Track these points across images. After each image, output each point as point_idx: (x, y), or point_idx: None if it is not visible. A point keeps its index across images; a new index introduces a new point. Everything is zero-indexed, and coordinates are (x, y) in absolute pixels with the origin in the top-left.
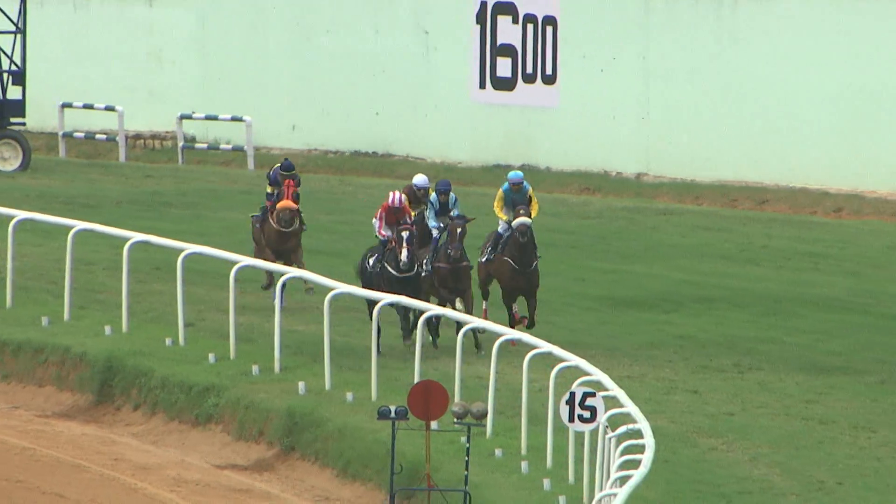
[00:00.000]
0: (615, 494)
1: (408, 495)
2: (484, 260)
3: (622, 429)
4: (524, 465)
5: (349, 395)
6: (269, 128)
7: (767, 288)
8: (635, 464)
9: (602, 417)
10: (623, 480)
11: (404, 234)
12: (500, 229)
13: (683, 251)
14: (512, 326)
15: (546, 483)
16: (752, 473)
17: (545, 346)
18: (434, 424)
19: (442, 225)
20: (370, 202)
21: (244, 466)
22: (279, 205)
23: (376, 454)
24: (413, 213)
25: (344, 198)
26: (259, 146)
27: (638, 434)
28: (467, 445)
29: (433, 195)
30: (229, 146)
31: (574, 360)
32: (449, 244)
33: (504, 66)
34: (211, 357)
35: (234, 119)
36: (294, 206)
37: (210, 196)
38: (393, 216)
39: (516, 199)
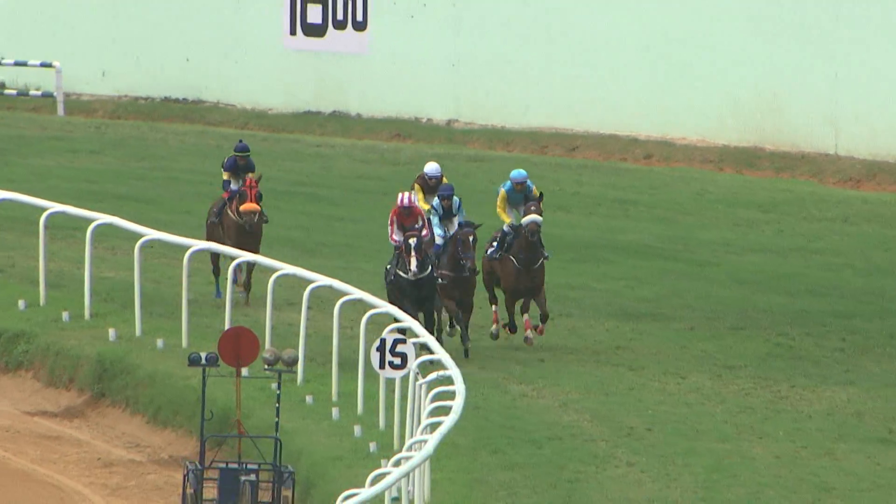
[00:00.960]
0: (426, 440)
1: (218, 442)
2: (488, 253)
3: (433, 375)
4: (335, 411)
5: (160, 342)
6: (79, 74)
7: (577, 234)
8: (446, 410)
9: (413, 364)
10: (434, 427)
11: (412, 242)
12: (505, 228)
13: (494, 198)
14: (513, 332)
15: (357, 429)
16: (561, 419)
17: (356, 293)
18: (245, 371)
19: (445, 233)
20: (181, 149)
21: (54, 413)
22: (243, 207)
23: (187, 401)
24: (427, 207)
25: (155, 144)
26: (69, 92)
27: (449, 381)
28: (278, 392)
29: (436, 200)
30: (39, 92)
31: (385, 306)
32: (462, 254)
33: (315, 13)
34: (21, 304)
35: (43, 65)
36: (258, 208)
37: (19, 142)
38: (405, 218)
39: (520, 200)
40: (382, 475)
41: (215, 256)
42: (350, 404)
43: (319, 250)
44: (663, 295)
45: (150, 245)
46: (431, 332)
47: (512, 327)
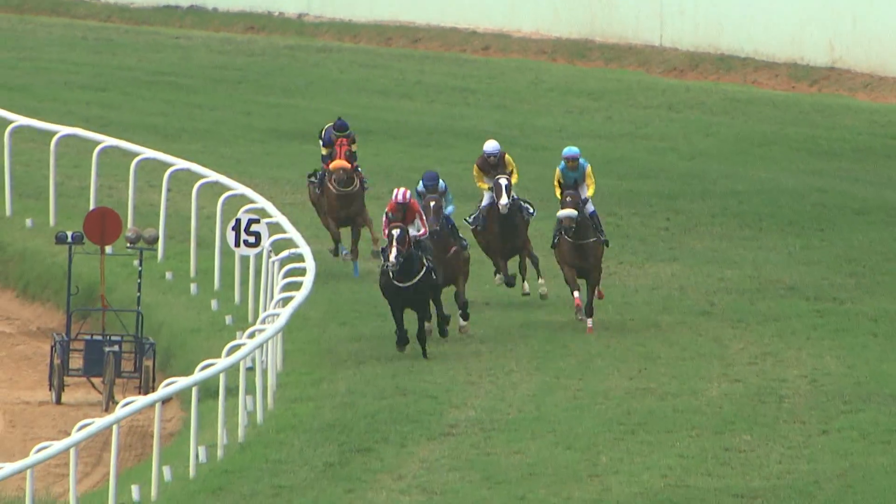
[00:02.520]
0: (279, 314)
1: (84, 315)
2: (471, 222)
3: (285, 253)
4: (194, 286)
5: (29, 221)
6: None
7: (421, 121)
8: (297, 286)
9: (266, 242)
10: (286, 301)
11: (395, 232)
12: (483, 202)
13: (343, 86)
14: (510, 285)
15: (214, 303)
16: None
17: (213, 176)
18: (108, 249)
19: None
20: (49, 40)
21: None
22: (332, 165)
23: (55, 276)
24: (485, 187)
25: (24, 35)
26: None
27: (300, 258)
28: (140, 268)
29: (420, 185)
30: None
31: (240, 188)
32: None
33: None
34: None
35: None
36: (348, 165)
37: None
38: (401, 214)
39: (573, 178)
40: (238, 346)
41: (335, 228)
42: (208, 280)
43: (179, 136)
44: None
45: (20, 130)
46: (423, 326)
47: (509, 281)
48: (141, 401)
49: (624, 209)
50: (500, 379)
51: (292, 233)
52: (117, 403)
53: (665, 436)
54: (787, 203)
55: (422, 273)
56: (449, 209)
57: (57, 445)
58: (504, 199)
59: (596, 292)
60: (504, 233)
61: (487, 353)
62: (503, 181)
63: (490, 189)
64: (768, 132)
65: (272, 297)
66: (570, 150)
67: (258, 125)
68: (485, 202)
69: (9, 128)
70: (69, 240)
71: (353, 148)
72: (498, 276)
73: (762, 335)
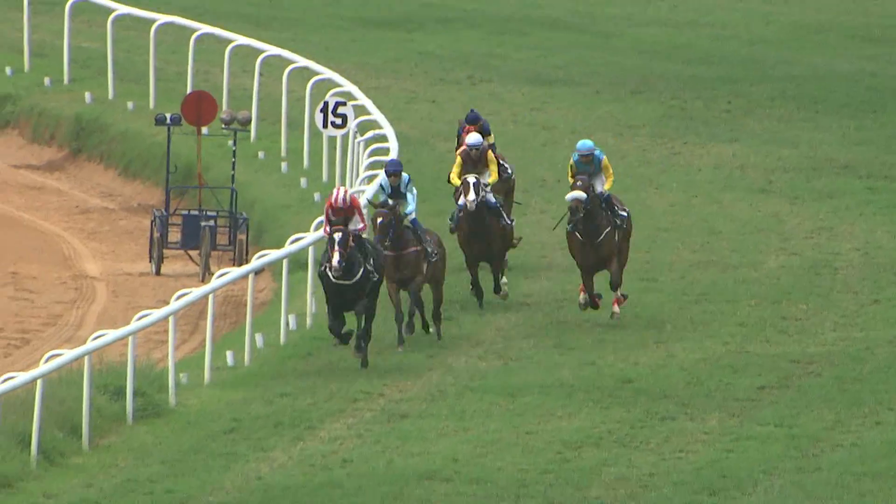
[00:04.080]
0: (363, 191)
1: (181, 192)
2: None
3: (369, 134)
4: (284, 165)
5: (130, 104)
6: None
7: (498, 9)
8: (381, 165)
9: (352, 124)
10: (370, 180)
11: (336, 236)
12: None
13: None
14: (477, 295)
15: (303, 181)
16: None
17: (302, 61)
18: (204, 130)
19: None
20: None
21: (38, 166)
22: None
23: (154, 156)
24: (458, 183)
25: None
26: None
27: (384, 139)
28: (234, 148)
29: (382, 176)
30: None
31: (328, 73)
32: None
33: None
34: (7, 70)
35: None
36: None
37: None
38: (342, 216)
39: (588, 171)
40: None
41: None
42: (297, 159)
43: (271, 24)
44: (572, 62)
45: (121, 19)
46: (364, 328)
47: (478, 290)
48: (235, 272)
49: (688, 93)
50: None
51: (376, 115)
52: (213, 274)
53: (726, 305)
54: (841, 87)
55: (360, 273)
56: (410, 208)
57: (156, 314)
58: (472, 196)
59: (615, 297)
60: (473, 233)
61: (560, 229)
62: (471, 179)
63: (460, 188)
64: (824, 20)
65: (357, 175)
66: (584, 143)
67: (345, 13)
68: (460, 202)
69: (111, 16)
70: (168, 121)
71: (490, 140)
72: (473, 290)
73: (818, 211)
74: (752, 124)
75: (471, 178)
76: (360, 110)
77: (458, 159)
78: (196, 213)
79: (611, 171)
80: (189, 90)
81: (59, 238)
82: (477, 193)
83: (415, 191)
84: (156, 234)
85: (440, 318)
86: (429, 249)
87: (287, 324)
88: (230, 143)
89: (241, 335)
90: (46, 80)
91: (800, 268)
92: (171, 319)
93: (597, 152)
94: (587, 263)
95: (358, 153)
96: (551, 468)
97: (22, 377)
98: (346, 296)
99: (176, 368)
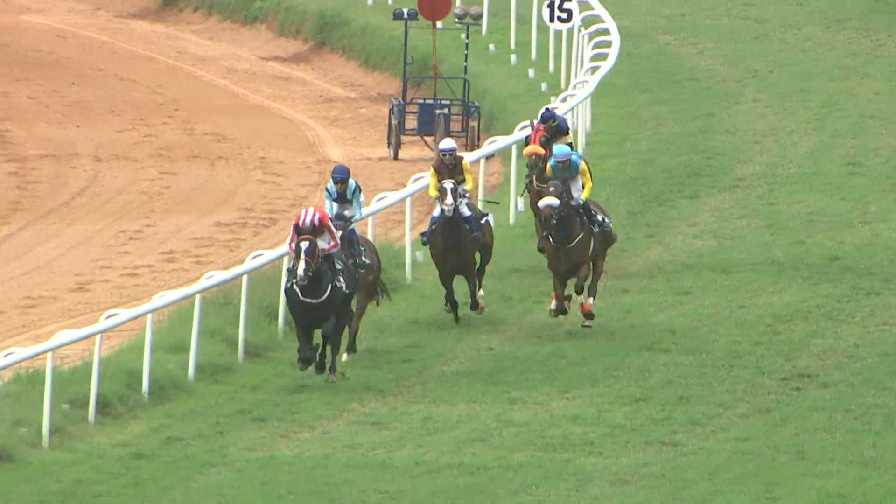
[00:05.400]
0: (587, 81)
1: (417, 82)
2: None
3: (593, 28)
4: (513, 57)
5: (370, 0)
6: None
7: None
8: (604, 57)
9: (577, 18)
10: (594, 70)
11: (303, 245)
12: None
13: None
14: (452, 309)
15: (531, 72)
16: (699, 64)
17: None
18: (439, 24)
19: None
20: None
21: (284, 58)
22: (525, 151)
23: (392, 49)
24: (436, 194)
25: None
26: None
27: (606, 32)
28: (466, 41)
29: (330, 183)
30: None
31: None
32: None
33: None
34: None
35: None
36: (542, 151)
37: None
38: (310, 229)
39: (566, 178)
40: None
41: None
42: (525, 52)
43: None
44: None
45: None
46: (331, 345)
47: (452, 303)
48: (468, 157)
49: None
50: (783, 139)
51: (599, 10)
52: None
53: None
54: None
55: (329, 291)
56: (356, 216)
57: (394, 196)
58: (449, 200)
59: (581, 303)
60: (447, 246)
61: (771, 114)
62: (448, 184)
63: (437, 197)
64: None
65: (582, 67)
66: (561, 149)
67: None
68: (435, 213)
69: None
70: (405, 16)
71: (567, 139)
72: (447, 306)
73: None
74: None
75: (448, 184)
76: (584, 6)
77: (432, 170)
78: (431, 101)
79: (589, 176)
80: None
81: (304, 125)
82: (455, 199)
83: (362, 198)
84: (394, 122)
85: (356, 331)
86: (359, 261)
87: (516, 205)
88: (463, 36)
89: None
90: None
91: None
92: (407, 201)
93: (574, 157)
94: (559, 269)
95: (582, 46)
96: (762, 340)
97: (269, 255)
98: (314, 314)
99: (412, 247)
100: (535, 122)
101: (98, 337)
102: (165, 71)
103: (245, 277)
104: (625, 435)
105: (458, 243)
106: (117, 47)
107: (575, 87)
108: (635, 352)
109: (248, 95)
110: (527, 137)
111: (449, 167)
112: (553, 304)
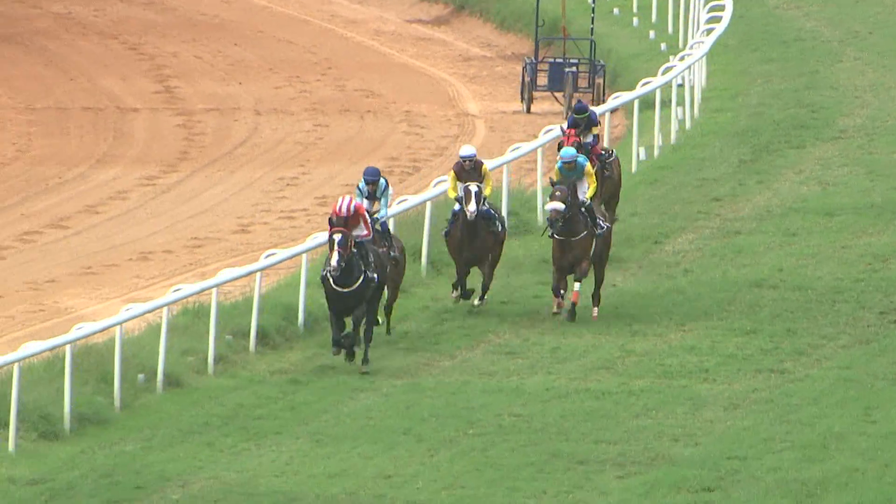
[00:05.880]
0: (702, 42)
1: (548, 42)
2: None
3: None
4: (635, 20)
5: None
6: None
7: None
8: (718, 19)
9: None
10: (709, 32)
11: (336, 237)
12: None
13: None
14: (465, 298)
15: (651, 34)
16: (805, 25)
17: None
18: None
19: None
20: None
21: (427, 21)
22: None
23: (525, 11)
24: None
25: None
26: None
27: None
28: (593, 5)
29: (362, 182)
30: None
31: None
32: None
33: None
34: None
35: None
36: (562, 206)
37: None
38: (343, 220)
39: (571, 177)
40: (670, 68)
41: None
42: (647, 15)
43: None
44: None
45: None
46: (361, 332)
47: (461, 291)
48: (597, 110)
49: None
50: (881, 94)
51: None
52: None
53: None
54: None
55: (361, 279)
56: (382, 213)
57: (526, 146)
58: (472, 206)
59: (594, 304)
60: (466, 239)
61: (871, 72)
62: (473, 188)
63: (459, 199)
64: None
65: (698, 28)
66: (568, 151)
67: None
68: (456, 208)
69: None
70: None
71: (595, 131)
72: (455, 292)
73: None
74: None
75: (472, 187)
76: None
77: (452, 173)
78: (560, 60)
79: (594, 178)
80: None
81: (444, 82)
82: (478, 203)
83: (391, 191)
84: (526, 79)
85: (391, 312)
86: (392, 253)
87: (637, 155)
88: (590, 0)
89: None
90: None
91: None
92: (539, 151)
93: (580, 159)
94: (562, 262)
95: (698, 9)
96: (863, 277)
97: (413, 200)
98: (346, 303)
99: (543, 192)
100: (566, 123)
101: (258, 274)
102: (319, 33)
103: (392, 221)
104: (736, 363)
105: (473, 241)
106: (275, 11)
107: (691, 47)
108: (746, 288)
109: (394, 55)
110: (560, 141)
111: (469, 172)
112: (554, 307)
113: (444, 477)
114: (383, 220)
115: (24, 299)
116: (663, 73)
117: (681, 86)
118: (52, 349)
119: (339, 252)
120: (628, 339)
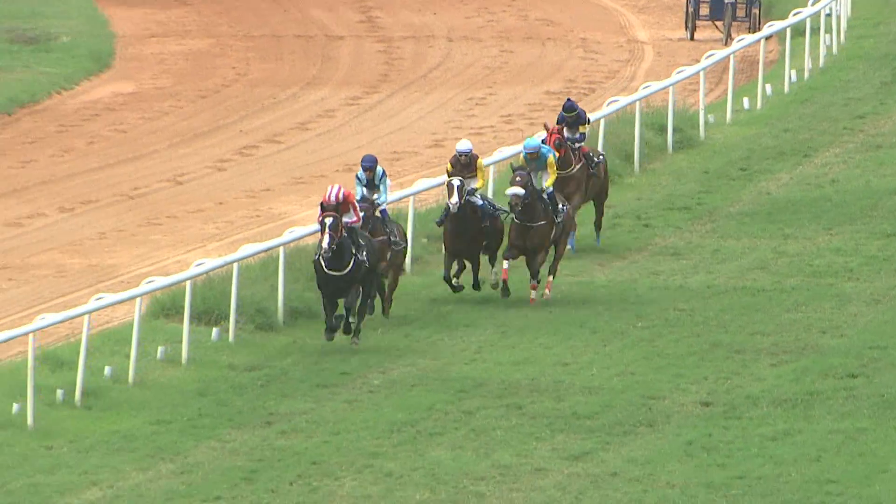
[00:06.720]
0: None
1: None
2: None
3: None
4: None
5: None
6: None
7: None
8: None
9: None
10: None
11: (327, 220)
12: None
13: None
14: (457, 289)
15: None
16: None
17: None
18: None
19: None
20: None
21: None
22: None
23: None
24: (360, 201)
25: None
26: None
27: None
28: None
29: (359, 171)
30: None
31: None
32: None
33: None
34: None
35: None
36: (558, 152)
37: None
38: (333, 206)
39: (536, 168)
40: None
41: None
42: None
43: None
44: None
45: None
46: (357, 313)
47: (449, 285)
48: (748, 39)
49: None
50: None
51: None
52: (734, 40)
53: None
54: None
55: (352, 262)
56: (381, 199)
57: (689, 70)
58: (455, 199)
59: (545, 287)
60: (455, 232)
61: None
62: (455, 182)
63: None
64: None
65: None
66: (531, 141)
67: None
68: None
69: None
70: None
71: (582, 129)
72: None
73: None
74: None
75: (455, 181)
76: None
77: (449, 166)
78: None
79: (555, 168)
80: None
81: (616, 12)
82: (460, 196)
83: (388, 182)
84: (690, 9)
85: (391, 302)
86: (392, 239)
87: (789, 77)
88: None
89: (754, 86)
90: None
91: None
92: (701, 74)
93: (543, 150)
94: (517, 243)
95: None
96: None
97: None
98: (338, 286)
99: (705, 111)
100: (556, 121)
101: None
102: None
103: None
104: (878, 264)
105: (465, 232)
106: None
107: None
108: (887, 196)
109: None
110: (543, 139)
111: (464, 165)
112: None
113: (616, 364)
114: (384, 206)
115: (243, 206)
116: (813, 4)
117: (829, 15)
118: (267, 250)
119: (329, 234)
120: (781, 241)
